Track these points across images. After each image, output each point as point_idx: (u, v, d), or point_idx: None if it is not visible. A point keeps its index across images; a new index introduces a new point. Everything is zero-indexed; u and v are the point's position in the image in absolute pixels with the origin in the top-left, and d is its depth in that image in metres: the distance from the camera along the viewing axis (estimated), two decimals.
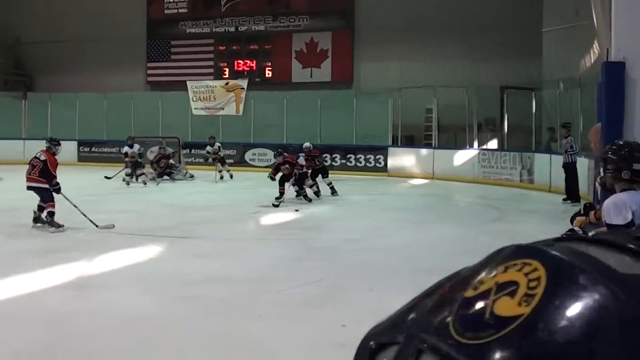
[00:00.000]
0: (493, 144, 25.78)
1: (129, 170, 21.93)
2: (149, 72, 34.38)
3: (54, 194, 13.04)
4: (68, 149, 30.11)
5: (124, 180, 21.76)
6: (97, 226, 12.75)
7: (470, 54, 27.61)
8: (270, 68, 32.02)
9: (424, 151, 26.16)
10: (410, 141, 27.68)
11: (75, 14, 34.81)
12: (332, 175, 25.64)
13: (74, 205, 12.95)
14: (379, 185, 23.10)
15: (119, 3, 34.24)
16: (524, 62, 25.79)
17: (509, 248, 0.90)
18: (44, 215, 12.98)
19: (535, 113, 23.66)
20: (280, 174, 17.80)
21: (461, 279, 0.90)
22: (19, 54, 37.14)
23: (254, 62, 32.23)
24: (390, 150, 26.64)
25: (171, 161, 24.12)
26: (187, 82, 30.97)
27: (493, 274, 0.84)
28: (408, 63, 28.74)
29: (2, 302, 8.05)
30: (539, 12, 24.47)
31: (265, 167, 27.17)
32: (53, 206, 12.88)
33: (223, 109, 30.36)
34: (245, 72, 31.99)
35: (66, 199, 13.05)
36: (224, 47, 32.90)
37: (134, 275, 9.51)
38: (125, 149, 22.34)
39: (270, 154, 28.00)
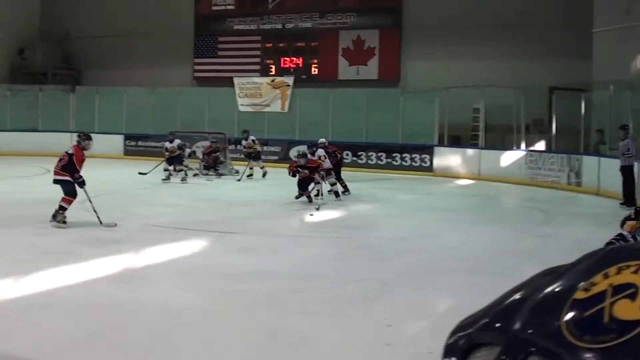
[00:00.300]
0: (540, 145, 25.42)
1: (167, 165, 21.74)
2: (196, 67, 34.51)
3: (78, 190, 12.80)
4: (114, 143, 30.73)
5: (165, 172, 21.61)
6: (101, 223, 12.62)
7: (518, 53, 27.28)
8: (316, 65, 31.94)
9: (470, 151, 25.90)
10: (456, 141, 27.39)
11: (123, 9, 35.11)
12: (378, 174, 25.71)
13: (90, 201, 12.78)
14: (425, 185, 22.94)
15: None
16: (573, 63, 25.37)
17: (606, 249, 0.83)
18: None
19: (584, 115, 23.27)
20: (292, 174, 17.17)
21: (557, 279, 0.84)
22: (68, 48, 37.53)
23: (301, 59, 32.18)
24: (437, 150, 26.40)
25: (218, 154, 24.19)
26: (234, 79, 31.02)
27: (603, 275, 0.78)
28: (456, 62, 28.49)
29: (50, 291, 8.13)
30: (590, 12, 24.08)
31: None
32: (68, 202, 12.67)
33: (269, 105, 30.37)
34: (292, 69, 31.97)
35: (86, 194, 12.87)
36: (271, 44, 32.90)
37: (178, 269, 9.54)
38: (166, 143, 22.20)
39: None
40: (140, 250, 10.73)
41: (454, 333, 0.84)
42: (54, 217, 12.70)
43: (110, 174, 22.07)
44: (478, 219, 15.44)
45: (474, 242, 12.38)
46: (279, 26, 32.74)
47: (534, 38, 26.93)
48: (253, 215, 15.04)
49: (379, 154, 27.27)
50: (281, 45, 32.67)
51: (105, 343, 6.35)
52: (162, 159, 22.12)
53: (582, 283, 0.70)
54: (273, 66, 32.48)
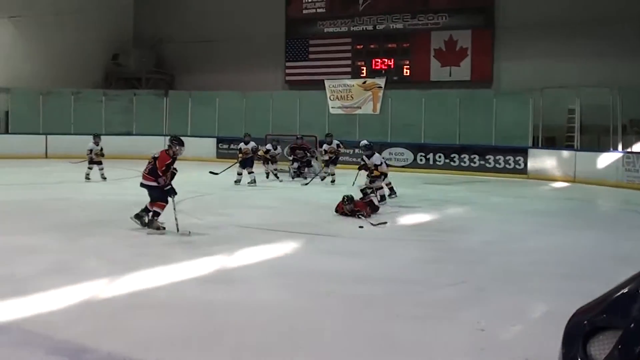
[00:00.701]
0: (638, 146, 24.75)
1: (239, 168, 21.85)
2: (287, 71, 34.76)
3: (168, 196, 12.56)
4: (207, 146, 31.25)
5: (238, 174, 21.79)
6: (177, 231, 12.31)
7: (615, 52, 26.56)
8: (408, 67, 31.76)
9: (565, 153, 25.34)
10: (551, 143, 26.86)
11: (215, 14, 35.71)
12: (471, 176, 25.44)
13: (174, 209, 12.54)
14: (518, 187, 22.59)
15: (258, 3, 34.89)
16: None
17: None
18: (147, 216, 12.78)
19: None
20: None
21: None
22: (161, 53, 38.38)
23: (392, 60, 32.05)
24: (531, 151, 25.93)
25: (310, 156, 24.25)
26: (325, 81, 31.00)
27: None
28: (550, 62, 27.92)
29: (145, 291, 8.30)
30: None
31: (402, 167, 27.03)
32: (160, 207, 12.55)
33: (360, 107, 30.22)
34: (383, 71, 31.86)
35: (172, 201, 12.63)
36: (362, 46, 32.88)
37: (271, 270, 9.62)
38: (240, 145, 22.31)
39: (407, 153, 27.81)
40: (233, 251, 10.83)
41: (574, 318, 0.81)
42: (138, 216, 12.82)
43: (201, 177, 22.35)
44: (573, 223, 15.11)
45: (569, 246, 12.12)
46: (370, 28, 32.71)
47: (631, 36, 26.24)
48: (343, 217, 14.98)
49: (472, 156, 26.95)
50: (372, 46, 32.62)
51: (198, 343, 6.44)
52: (236, 160, 22.27)
53: None
54: (364, 68, 32.47)
